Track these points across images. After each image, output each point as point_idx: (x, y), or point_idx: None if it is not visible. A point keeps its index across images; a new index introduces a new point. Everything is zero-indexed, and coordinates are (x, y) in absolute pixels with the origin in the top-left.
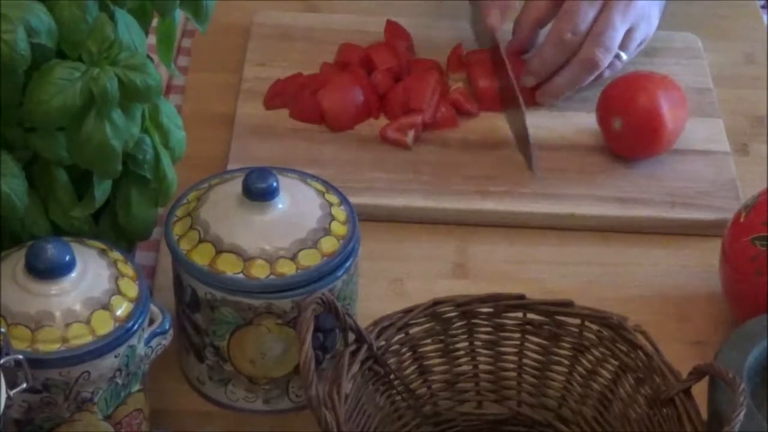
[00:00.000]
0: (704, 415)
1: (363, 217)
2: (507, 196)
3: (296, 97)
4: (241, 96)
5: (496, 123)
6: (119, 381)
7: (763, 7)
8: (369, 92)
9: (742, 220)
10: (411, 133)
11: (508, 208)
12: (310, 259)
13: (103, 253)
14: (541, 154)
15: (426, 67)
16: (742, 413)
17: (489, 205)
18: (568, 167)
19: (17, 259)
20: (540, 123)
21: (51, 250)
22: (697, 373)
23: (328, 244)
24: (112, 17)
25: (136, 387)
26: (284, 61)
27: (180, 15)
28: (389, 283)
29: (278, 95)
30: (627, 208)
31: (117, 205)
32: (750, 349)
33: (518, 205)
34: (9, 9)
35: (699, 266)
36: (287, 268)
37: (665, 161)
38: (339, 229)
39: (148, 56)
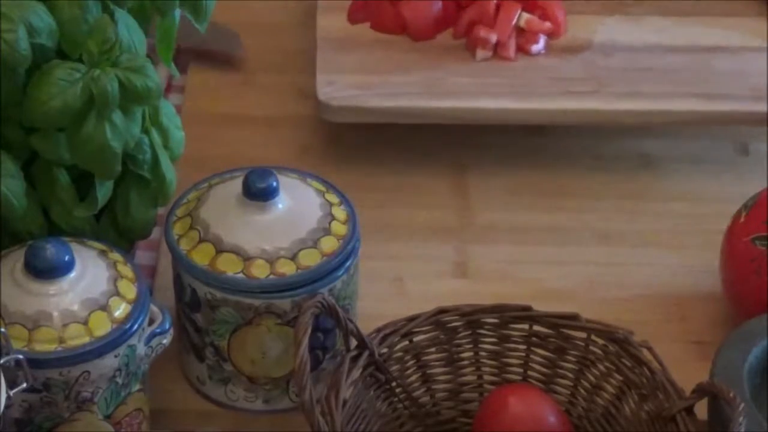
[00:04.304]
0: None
1: (454, 121)
2: (591, 96)
3: (378, 9)
4: (318, 10)
5: (580, 30)
6: (119, 381)
7: None
8: (449, 1)
9: (742, 220)
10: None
11: (591, 106)
12: (310, 259)
13: (102, 254)
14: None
15: None
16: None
17: (572, 104)
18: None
19: (16, 258)
20: (621, 28)
21: (50, 250)
22: (700, 392)
23: (328, 244)
24: (112, 17)
25: (136, 387)
26: None
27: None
28: (389, 283)
29: (361, 9)
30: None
31: (117, 205)
32: (750, 349)
33: (601, 104)
34: (9, 9)
35: (699, 266)
36: (287, 268)
37: None
38: (339, 228)
39: (148, 56)
